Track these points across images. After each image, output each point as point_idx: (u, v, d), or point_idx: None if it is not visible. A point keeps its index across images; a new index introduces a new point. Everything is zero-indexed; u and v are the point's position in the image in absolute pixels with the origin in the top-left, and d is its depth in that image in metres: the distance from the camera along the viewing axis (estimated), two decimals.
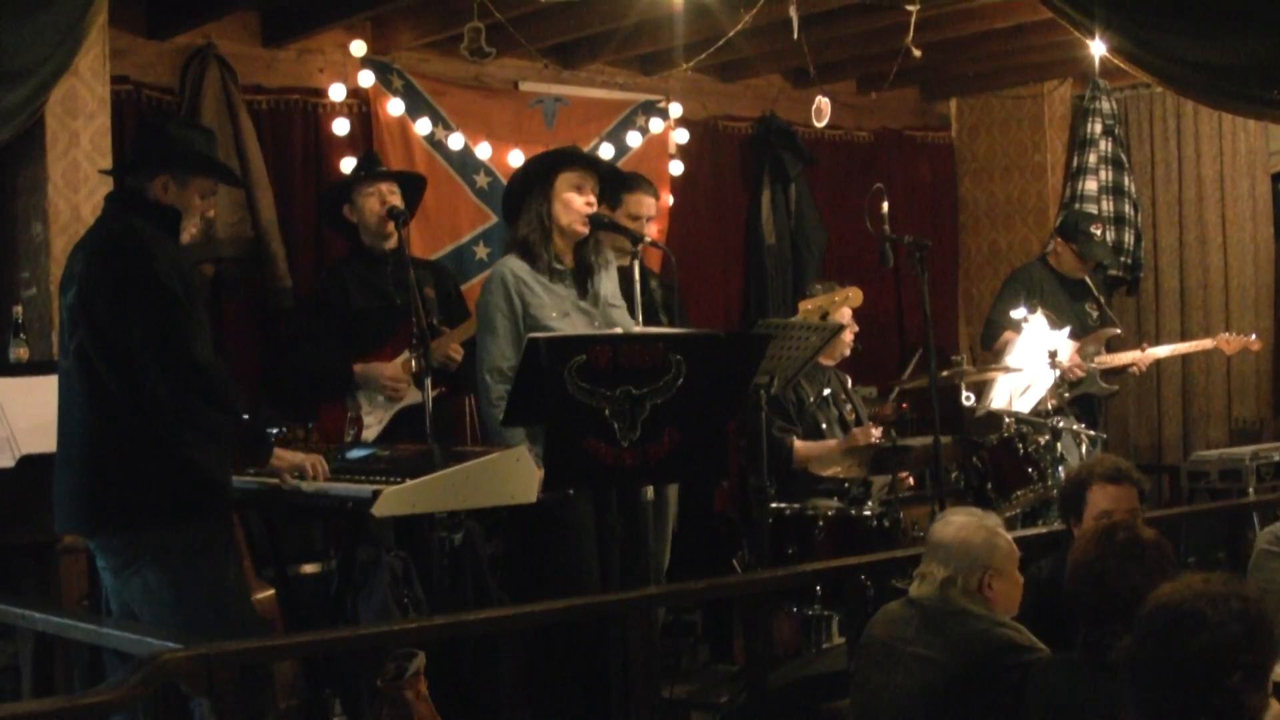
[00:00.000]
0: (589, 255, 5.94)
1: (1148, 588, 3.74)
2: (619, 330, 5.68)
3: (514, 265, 5.86)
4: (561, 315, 5.82)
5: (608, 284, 5.97)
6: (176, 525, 4.55)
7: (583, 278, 5.96)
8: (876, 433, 7.00)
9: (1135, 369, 8.63)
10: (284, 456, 4.86)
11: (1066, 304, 8.56)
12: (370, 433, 6.30)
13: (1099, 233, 8.81)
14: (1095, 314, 8.70)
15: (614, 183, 6.23)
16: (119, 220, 4.70)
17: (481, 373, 5.84)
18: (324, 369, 6.40)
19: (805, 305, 6.54)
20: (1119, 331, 8.70)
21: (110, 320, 4.52)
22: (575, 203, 5.85)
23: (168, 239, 4.66)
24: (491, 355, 5.81)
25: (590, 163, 6.06)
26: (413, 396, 6.23)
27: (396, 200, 6.44)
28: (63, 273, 4.80)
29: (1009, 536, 4.52)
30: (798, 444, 7.07)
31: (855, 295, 6.63)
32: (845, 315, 7.16)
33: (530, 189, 5.91)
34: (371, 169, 6.60)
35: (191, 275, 4.72)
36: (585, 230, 5.89)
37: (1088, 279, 8.74)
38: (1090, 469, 5.04)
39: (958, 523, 4.48)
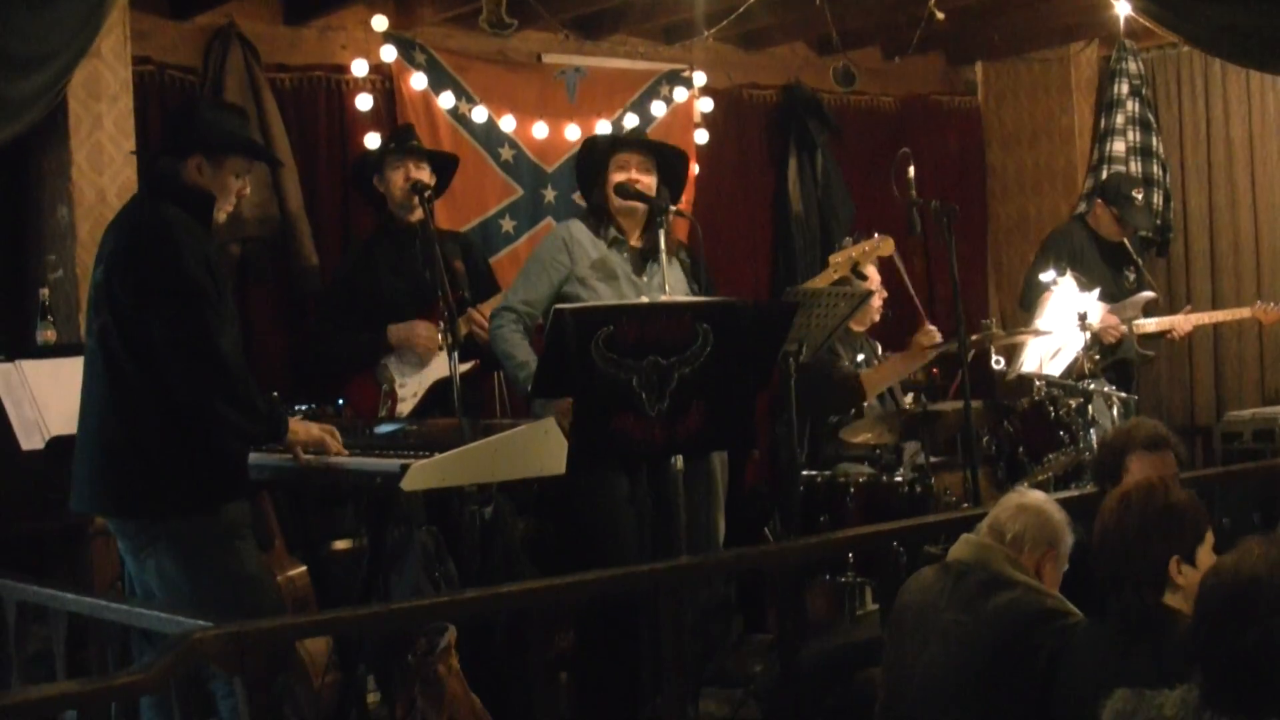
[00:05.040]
0: (655, 239, 5.92)
1: (1179, 551, 3.70)
2: (645, 300, 5.68)
3: (575, 226, 6.14)
4: (601, 278, 5.93)
5: (673, 278, 5.93)
6: (191, 514, 4.52)
7: (644, 259, 6.07)
8: (934, 331, 7.15)
9: (1173, 334, 8.54)
10: (298, 431, 4.78)
11: (1103, 267, 8.48)
12: (405, 406, 6.29)
13: (1140, 198, 8.71)
14: (1133, 278, 8.61)
15: (662, 154, 6.23)
16: (148, 206, 4.65)
17: (501, 303, 6.12)
18: (357, 342, 6.41)
19: (835, 259, 6.53)
20: (1155, 296, 8.61)
21: (133, 311, 4.49)
22: (615, 180, 6.04)
23: (197, 226, 4.60)
24: (515, 292, 6.09)
25: (633, 144, 6.23)
26: (444, 366, 6.22)
27: (424, 176, 6.44)
28: (97, 251, 4.76)
29: None
30: (863, 373, 7.02)
31: (886, 244, 6.62)
32: (873, 280, 7.13)
33: (599, 167, 6.12)
34: (404, 143, 6.60)
35: (220, 264, 4.65)
36: (619, 202, 6.00)
37: (1126, 242, 8.66)
38: (1129, 436, 4.96)
39: (1042, 497, 4.40)
